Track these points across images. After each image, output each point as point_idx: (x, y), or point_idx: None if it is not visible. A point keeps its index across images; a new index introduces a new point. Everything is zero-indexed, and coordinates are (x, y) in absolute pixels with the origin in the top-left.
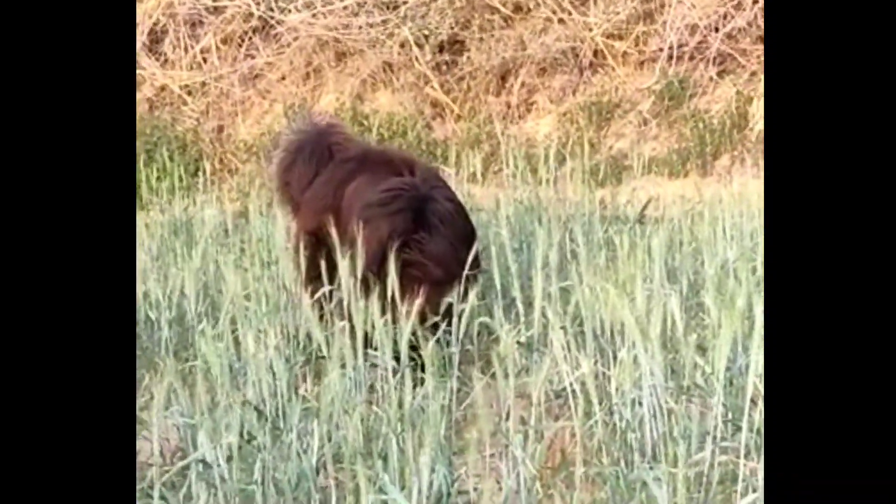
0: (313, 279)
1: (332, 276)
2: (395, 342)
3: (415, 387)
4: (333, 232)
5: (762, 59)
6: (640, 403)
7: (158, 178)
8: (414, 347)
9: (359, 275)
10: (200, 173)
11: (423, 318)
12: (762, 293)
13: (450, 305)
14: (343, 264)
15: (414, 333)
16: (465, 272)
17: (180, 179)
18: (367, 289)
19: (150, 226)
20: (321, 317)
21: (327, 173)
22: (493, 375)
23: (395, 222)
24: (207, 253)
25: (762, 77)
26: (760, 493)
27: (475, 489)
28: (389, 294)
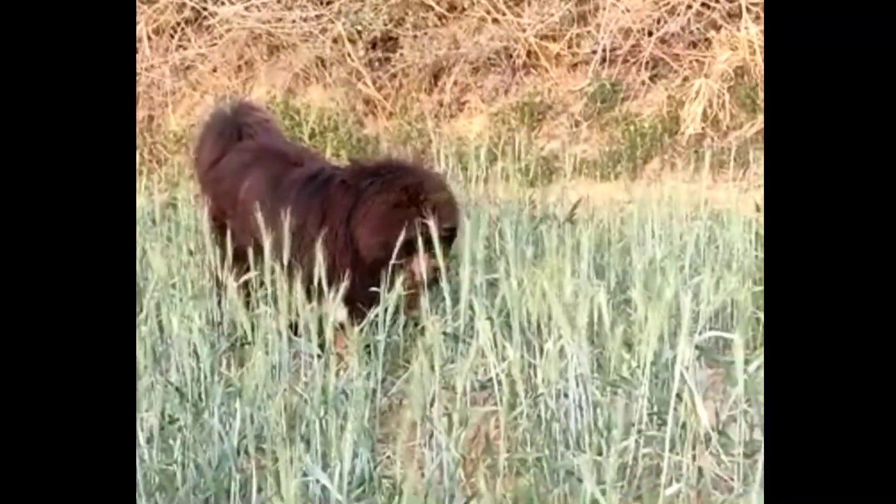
0: (238, 264)
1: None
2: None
3: (338, 373)
4: (230, 223)
5: (694, 64)
6: (566, 395)
7: None
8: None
9: (284, 261)
10: None
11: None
12: (689, 291)
13: (377, 294)
14: (266, 251)
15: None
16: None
17: None
18: (291, 275)
19: None
20: (247, 303)
21: (228, 158)
22: (420, 365)
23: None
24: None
25: (694, 82)
26: (683, 485)
27: (400, 472)
28: (316, 280)
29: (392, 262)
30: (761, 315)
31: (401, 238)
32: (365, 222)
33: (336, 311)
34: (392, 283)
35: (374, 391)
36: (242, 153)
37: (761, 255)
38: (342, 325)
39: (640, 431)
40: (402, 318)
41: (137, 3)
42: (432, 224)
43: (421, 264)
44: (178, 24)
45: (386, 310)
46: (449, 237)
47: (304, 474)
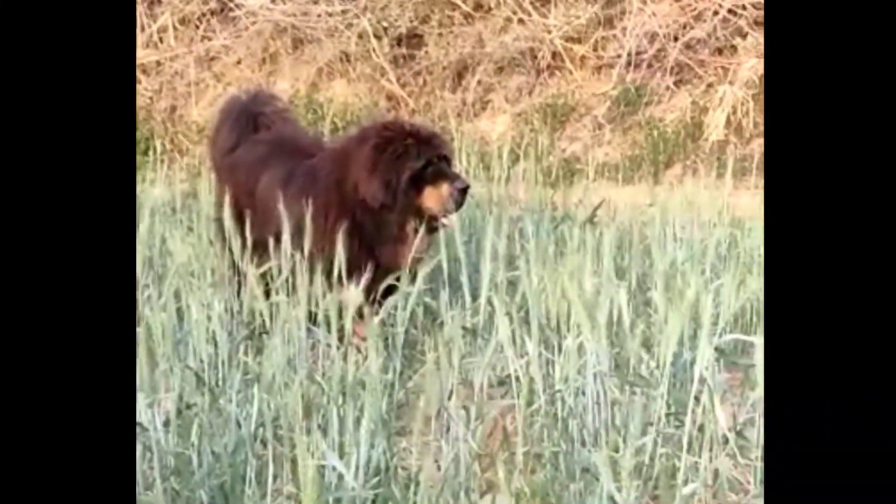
0: (257, 253)
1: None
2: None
3: (357, 363)
4: (249, 214)
5: (719, 70)
6: (584, 392)
7: None
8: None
9: (306, 251)
10: (150, 152)
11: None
12: (710, 294)
13: (395, 287)
14: (285, 240)
15: (359, 311)
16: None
17: None
18: (311, 265)
19: None
20: (266, 293)
21: (245, 150)
22: (437, 359)
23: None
24: (154, 228)
25: (718, 89)
26: (699, 485)
27: (416, 463)
28: (336, 272)
29: (400, 201)
30: None
31: (405, 175)
32: (360, 170)
33: (354, 297)
34: (413, 275)
35: (392, 384)
36: (258, 146)
37: None
38: (360, 314)
39: (657, 431)
40: (420, 313)
41: None
42: (436, 151)
43: (445, 190)
44: (204, 14)
45: (405, 302)
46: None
47: (321, 463)
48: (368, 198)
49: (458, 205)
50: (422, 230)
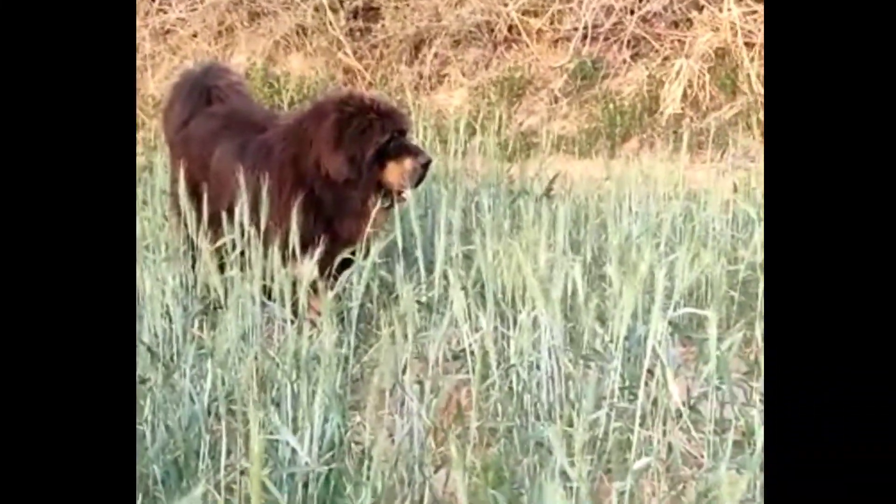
0: (212, 228)
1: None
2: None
3: (311, 338)
4: (204, 187)
5: (675, 43)
6: (538, 367)
7: None
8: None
9: (262, 225)
10: None
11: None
12: (663, 267)
13: (350, 261)
14: (238, 215)
15: (314, 286)
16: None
17: None
18: (266, 240)
19: None
20: (221, 267)
21: (198, 123)
22: (392, 333)
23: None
24: None
25: (675, 62)
26: (652, 459)
27: (370, 438)
28: (291, 246)
29: (364, 176)
30: (735, 293)
31: (370, 150)
32: (321, 145)
33: (309, 272)
34: (367, 250)
35: (347, 358)
36: (211, 119)
37: (737, 234)
38: (315, 289)
39: (611, 405)
40: (375, 287)
41: None
42: (397, 126)
43: (409, 165)
44: None
45: (360, 276)
46: None
47: (273, 438)
48: (332, 172)
49: (420, 179)
50: (380, 204)
